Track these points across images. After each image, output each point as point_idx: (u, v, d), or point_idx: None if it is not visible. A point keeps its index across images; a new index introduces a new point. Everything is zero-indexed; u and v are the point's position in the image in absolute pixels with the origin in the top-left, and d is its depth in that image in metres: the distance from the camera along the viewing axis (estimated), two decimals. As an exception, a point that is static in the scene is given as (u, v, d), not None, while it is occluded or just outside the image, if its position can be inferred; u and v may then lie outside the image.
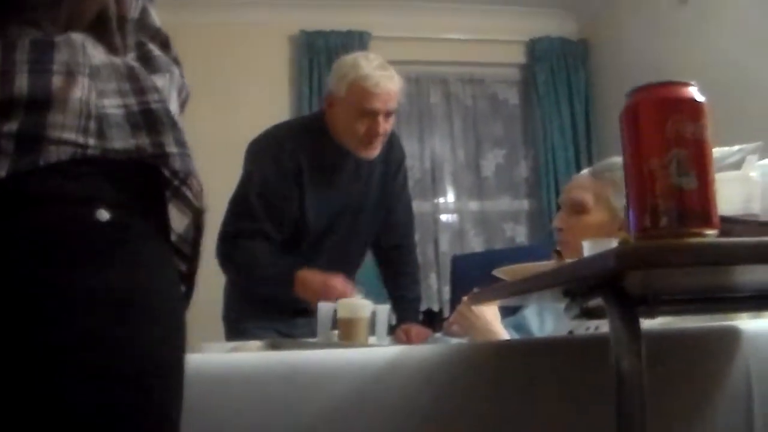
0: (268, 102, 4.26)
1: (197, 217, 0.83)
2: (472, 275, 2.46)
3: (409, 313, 2.53)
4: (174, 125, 0.78)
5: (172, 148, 0.76)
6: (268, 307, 2.38)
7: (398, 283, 2.59)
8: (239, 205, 2.32)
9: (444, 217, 4.62)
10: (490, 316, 1.79)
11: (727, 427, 1.33)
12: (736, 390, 1.35)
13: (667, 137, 0.73)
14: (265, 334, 2.16)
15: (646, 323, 1.64)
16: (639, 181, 0.75)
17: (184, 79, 0.88)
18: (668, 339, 1.35)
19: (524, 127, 4.75)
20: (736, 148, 1.88)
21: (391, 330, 2.34)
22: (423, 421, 1.19)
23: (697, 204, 0.73)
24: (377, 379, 1.21)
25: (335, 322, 1.88)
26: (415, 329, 2.33)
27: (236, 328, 2.40)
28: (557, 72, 4.63)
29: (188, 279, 0.85)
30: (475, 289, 1.56)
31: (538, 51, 4.66)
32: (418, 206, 4.56)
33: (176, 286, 0.81)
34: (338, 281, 2.12)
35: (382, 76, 2.23)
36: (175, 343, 0.76)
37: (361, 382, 1.21)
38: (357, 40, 4.38)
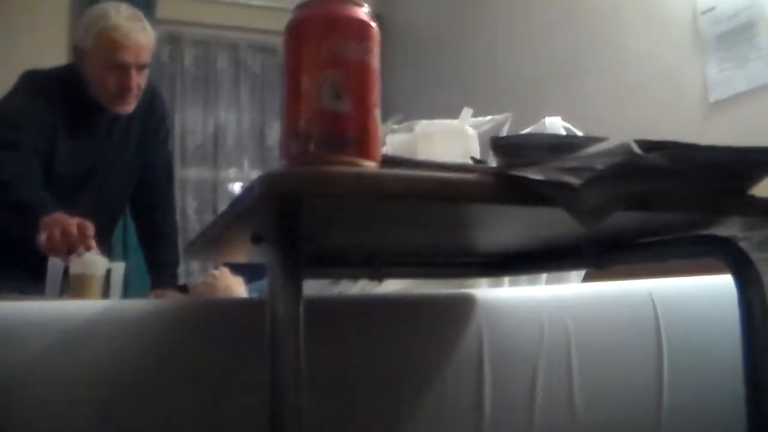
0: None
1: None
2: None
3: (165, 278, 2.41)
4: None
5: None
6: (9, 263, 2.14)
7: (154, 246, 2.47)
8: None
9: (225, 186, 4.50)
10: (231, 281, 1.79)
11: (457, 392, 1.33)
12: (468, 355, 1.35)
13: (323, 56, 0.67)
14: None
15: (390, 287, 1.66)
16: (290, 103, 0.68)
17: None
18: (403, 304, 1.35)
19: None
20: (488, 118, 1.90)
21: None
22: (135, 374, 1.12)
23: (351, 131, 0.67)
24: (85, 332, 1.12)
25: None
26: (170, 293, 2.23)
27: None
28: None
29: None
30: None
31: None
32: (198, 173, 4.43)
33: None
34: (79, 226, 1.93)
35: (133, 27, 2.10)
36: None
37: (71, 333, 1.12)
38: (143, -3, 4.16)
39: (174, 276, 2.50)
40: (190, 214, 4.32)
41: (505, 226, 0.94)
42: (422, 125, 1.21)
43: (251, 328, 1.13)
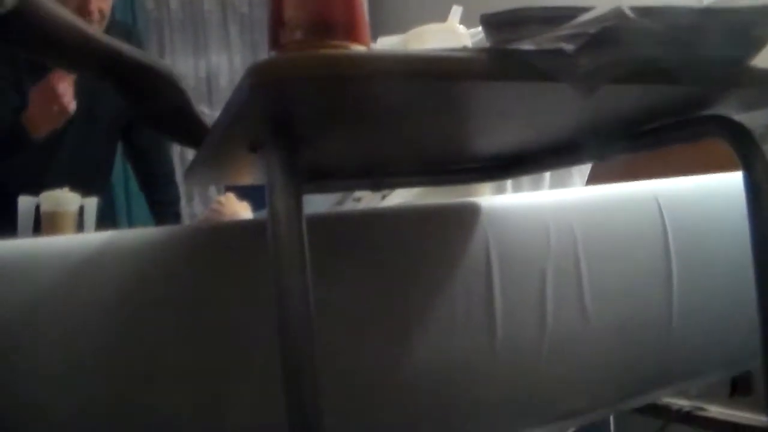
0: None
1: None
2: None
3: (167, 217, 2.40)
4: None
5: None
6: None
7: (152, 187, 2.45)
8: None
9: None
10: (238, 207, 1.78)
11: (467, 301, 1.33)
12: (476, 264, 1.35)
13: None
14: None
15: (394, 200, 1.65)
16: (274, -9, 0.66)
17: None
18: (407, 215, 1.34)
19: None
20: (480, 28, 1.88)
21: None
22: (138, 307, 1.11)
23: (339, 16, 0.65)
24: (87, 266, 1.11)
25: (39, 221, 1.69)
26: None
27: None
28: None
29: None
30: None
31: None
32: (194, 118, 4.40)
33: None
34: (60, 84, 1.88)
35: None
36: None
37: (70, 270, 1.10)
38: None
39: (177, 215, 2.49)
40: (189, 158, 4.30)
41: (503, 117, 0.93)
42: (413, 30, 1.19)
43: (260, 248, 1.13)
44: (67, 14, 1.18)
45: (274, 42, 0.66)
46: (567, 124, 1.00)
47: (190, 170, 1.23)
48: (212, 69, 4.46)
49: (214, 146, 0.91)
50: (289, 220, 0.68)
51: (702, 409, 2.16)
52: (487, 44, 0.71)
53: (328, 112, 0.71)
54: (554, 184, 1.76)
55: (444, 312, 1.31)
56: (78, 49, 1.17)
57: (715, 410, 2.15)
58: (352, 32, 0.66)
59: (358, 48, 0.66)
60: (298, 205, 0.69)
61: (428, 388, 1.29)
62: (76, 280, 1.09)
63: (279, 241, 0.67)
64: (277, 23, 0.66)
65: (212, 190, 4.33)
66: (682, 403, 2.21)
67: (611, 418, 2.37)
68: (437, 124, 0.89)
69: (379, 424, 1.25)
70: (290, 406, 0.68)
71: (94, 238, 1.17)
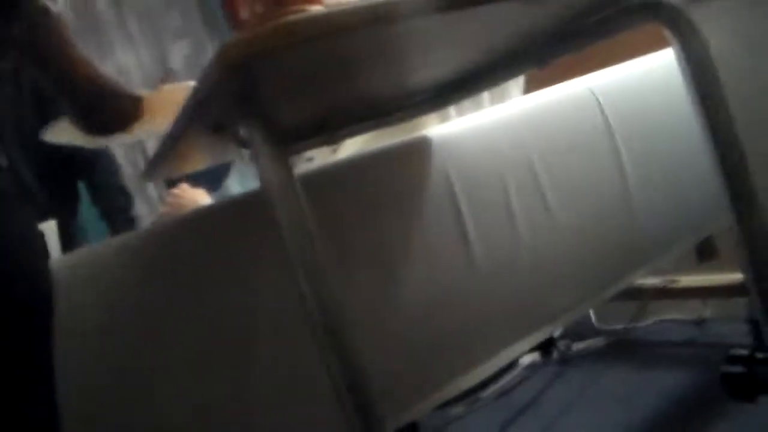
0: None
1: None
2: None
3: (121, 225, 2.39)
4: None
5: None
6: None
7: (100, 197, 2.43)
8: None
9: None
10: (195, 194, 1.76)
11: (440, 230, 1.37)
12: (441, 192, 1.38)
13: None
14: None
15: (345, 153, 1.66)
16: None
17: None
18: (364, 161, 1.35)
19: (202, 12, 4.56)
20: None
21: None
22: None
23: (291, -19, 0.67)
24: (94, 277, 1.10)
25: None
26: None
27: None
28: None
29: None
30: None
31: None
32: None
33: None
34: None
35: None
36: None
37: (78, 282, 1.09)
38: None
39: (131, 221, 2.46)
40: (121, 161, 4.24)
41: (451, 45, 0.95)
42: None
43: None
44: None
45: (237, 22, 0.68)
46: (508, 36, 1.02)
47: (150, 167, 1.24)
48: (123, 69, 4.36)
49: (177, 134, 0.92)
50: (287, 187, 0.71)
51: (675, 281, 2.25)
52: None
53: (299, 76, 0.74)
54: (494, 102, 1.79)
55: (419, 243, 1.34)
56: None
57: (687, 280, 2.24)
58: (306, -5, 0.68)
59: (315, 8, 0.68)
60: (290, 171, 0.72)
61: (419, 323, 1.33)
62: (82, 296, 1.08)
63: (286, 209, 0.70)
64: (234, 4, 0.67)
65: (150, 188, 4.27)
66: (654, 281, 2.29)
67: (591, 312, 2.45)
68: (390, 66, 0.92)
69: (375, 364, 1.29)
70: (329, 361, 0.72)
71: (81, 254, 1.17)
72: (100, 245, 1.14)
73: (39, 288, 0.78)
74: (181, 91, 1.63)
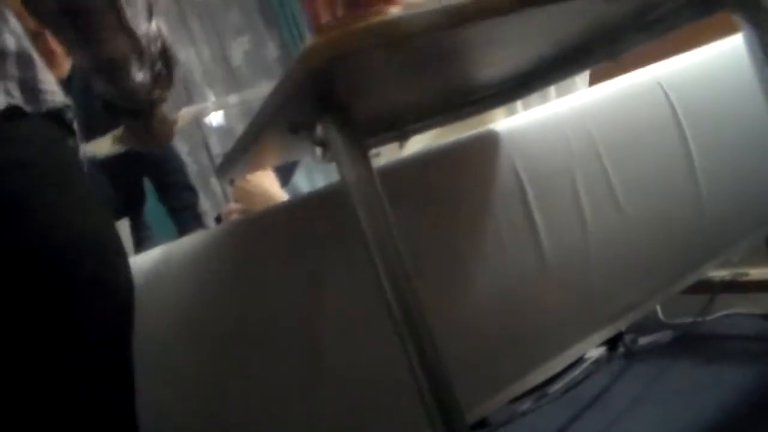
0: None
1: None
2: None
3: (188, 221, 2.43)
4: None
5: None
6: None
7: (166, 197, 2.47)
8: None
9: (207, 120, 4.46)
10: (267, 182, 1.76)
11: (510, 222, 1.36)
12: (508, 186, 1.38)
13: None
14: None
15: (413, 149, 1.67)
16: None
17: None
18: (429, 158, 1.36)
19: (261, 8, 4.61)
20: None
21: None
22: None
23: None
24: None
25: None
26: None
27: None
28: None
29: None
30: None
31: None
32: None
33: None
34: None
35: None
36: None
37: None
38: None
39: (198, 217, 2.51)
40: (186, 159, 4.31)
41: (525, 41, 0.95)
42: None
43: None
44: None
45: (317, 28, 0.68)
46: (581, 31, 1.02)
47: (224, 165, 1.26)
48: (183, 64, 4.44)
49: (256, 132, 0.93)
50: (368, 184, 0.72)
51: (744, 273, 2.21)
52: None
53: (378, 75, 0.75)
54: (561, 94, 1.78)
55: (491, 241, 1.34)
56: None
57: (757, 272, 2.20)
58: (386, -4, 0.68)
59: (394, 10, 0.68)
60: (370, 168, 0.73)
61: (491, 317, 1.33)
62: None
63: (367, 205, 0.71)
64: (316, 9, 0.68)
65: (213, 183, 4.34)
66: (722, 273, 2.25)
67: (657, 305, 2.42)
68: (464, 62, 0.92)
69: (449, 359, 1.30)
70: (410, 357, 0.73)
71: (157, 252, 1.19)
72: (178, 243, 1.17)
73: (124, 285, 0.79)
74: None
